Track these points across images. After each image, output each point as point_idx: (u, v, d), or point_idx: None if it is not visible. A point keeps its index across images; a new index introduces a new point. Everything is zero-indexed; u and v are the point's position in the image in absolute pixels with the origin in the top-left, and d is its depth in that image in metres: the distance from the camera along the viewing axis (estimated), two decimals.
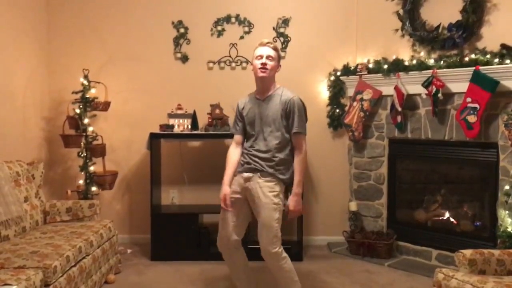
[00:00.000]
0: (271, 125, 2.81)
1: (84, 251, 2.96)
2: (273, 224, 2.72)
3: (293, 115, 2.79)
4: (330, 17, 4.43)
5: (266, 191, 2.76)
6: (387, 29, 4.07)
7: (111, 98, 4.20)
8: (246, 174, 2.85)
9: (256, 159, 2.82)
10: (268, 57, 2.78)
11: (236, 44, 4.42)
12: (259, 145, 2.84)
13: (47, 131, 4.31)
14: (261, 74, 2.79)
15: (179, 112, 4.14)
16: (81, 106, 3.99)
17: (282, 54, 4.37)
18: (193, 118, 4.11)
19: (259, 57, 2.79)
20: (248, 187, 2.83)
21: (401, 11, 3.99)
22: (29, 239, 2.98)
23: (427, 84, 3.64)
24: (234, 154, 2.97)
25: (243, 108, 2.95)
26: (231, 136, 4.16)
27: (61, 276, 2.62)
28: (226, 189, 2.89)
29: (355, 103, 4.19)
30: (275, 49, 2.82)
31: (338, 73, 4.35)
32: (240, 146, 2.98)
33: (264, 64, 2.77)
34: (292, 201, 2.78)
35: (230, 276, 3.11)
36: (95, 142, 4.07)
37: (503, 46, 3.36)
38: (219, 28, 4.40)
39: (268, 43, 2.82)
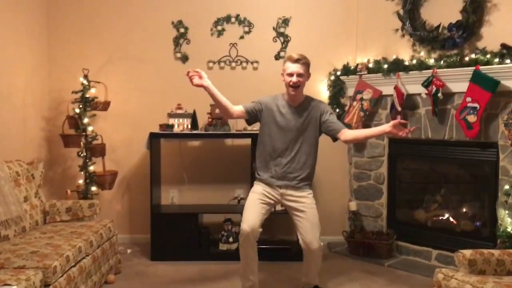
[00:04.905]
0: (307, 132, 3.03)
1: (84, 251, 2.96)
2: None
3: (331, 114, 3.06)
4: (330, 17, 4.43)
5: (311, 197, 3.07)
6: (387, 29, 4.07)
7: (111, 98, 4.20)
8: (289, 191, 3.04)
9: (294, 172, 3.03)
10: (298, 75, 2.91)
11: (236, 44, 4.42)
12: (297, 157, 3.04)
13: (47, 131, 4.31)
14: (293, 93, 2.96)
15: (179, 111, 4.14)
16: (81, 106, 3.99)
17: (282, 54, 4.39)
18: (193, 117, 4.11)
19: (290, 75, 2.92)
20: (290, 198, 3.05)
21: (401, 11, 3.98)
22: (29, 239, 2.98)
23: (427, 83, 3.64)
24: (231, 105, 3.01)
25: (267, 109, 3.03)
26: (231, 136, 4.20)
27: (61, 276, 2.62)
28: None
29: (355, 103, 4.18)
30: (304, 64, 2.93)
31: (338, 73, 4.35)
32: (234, 111, 3.01)
33: (295, 83, 2.91)
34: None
35: (242, 272, 3.06)
36: (95, 142, 4.07)
37: (503, 46, 3.35)
38: (219, 28, 4.40)
39: (297, 59, 2.91)
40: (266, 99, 3.08)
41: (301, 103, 3.03)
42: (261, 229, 2.99)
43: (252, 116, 3.05)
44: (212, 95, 2.90)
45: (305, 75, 2.95)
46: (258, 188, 3.06)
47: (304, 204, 3.00)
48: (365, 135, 3.11)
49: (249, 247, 2.97)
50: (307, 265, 3.12)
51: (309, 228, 2.96)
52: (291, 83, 2.92)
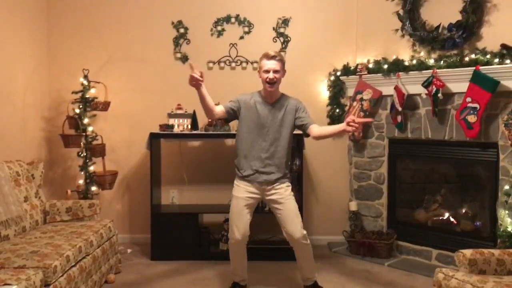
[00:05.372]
0: (284, 128, 3.06)
1: (84, 251, 2.96)
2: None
3: (304, 112, 3.11)
4: (330, 17, 4.43)
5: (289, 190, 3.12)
6: (387, 29, 4.07)
7: (111, 98, 4.20)
8: (268, 187, 3.09)
9: (274, 167, 3.07)
10: (274, 71, 2.98)
11: (236, 44, 4.42)
12: (277, 151, 3.07)
13: (47, 131, 4.31)
14: (270, 89, 3.02)
15: (179, 112, 4.14)
16: (81, 106, 3.99)
17: (282, 54, 4.38)
18: (193, 118, 4.11)
19: (266, 72, 2.99)
20: (270, 192, 3.10)
21: (401, 11, 3.99)
22: (29, 239, 2.98)
23: (427, 84, 3.64)
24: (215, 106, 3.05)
25: (245, 107, 3.08)
26: (231, 136, 4.20)
27: (61, 276, 2.62)
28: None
29: (355, 103, 4.18)
30: (280, 60, 3.00)
31: (338, 73, 4.35)
32: (217, 111, 3.05)
33: (271, 79, 2.98)
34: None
35: (232, 270, 3.27)
36: (95, 142, 4.07)
37: (503, 46, 3.36)
38: (219, 28, 4.40)
39: (273, 56, 2.98)
40: (243, 96, 3.14)
41: (277, 100, 3.10)
42: (249, 232, 3.12)
43: (230, 114, 3.12)
44: (202, 96, 2.92)
45: (281, 71, 3.02)
46: (240, 192, 3.10)
47: (283, 196, 3.06)
48: (329, 132, 3.08)
49: (240, 251, 3.17)
50: (298, 258, 3.17)
51: (289, 219, 3.04)
52: (267, 80, 2.99)
